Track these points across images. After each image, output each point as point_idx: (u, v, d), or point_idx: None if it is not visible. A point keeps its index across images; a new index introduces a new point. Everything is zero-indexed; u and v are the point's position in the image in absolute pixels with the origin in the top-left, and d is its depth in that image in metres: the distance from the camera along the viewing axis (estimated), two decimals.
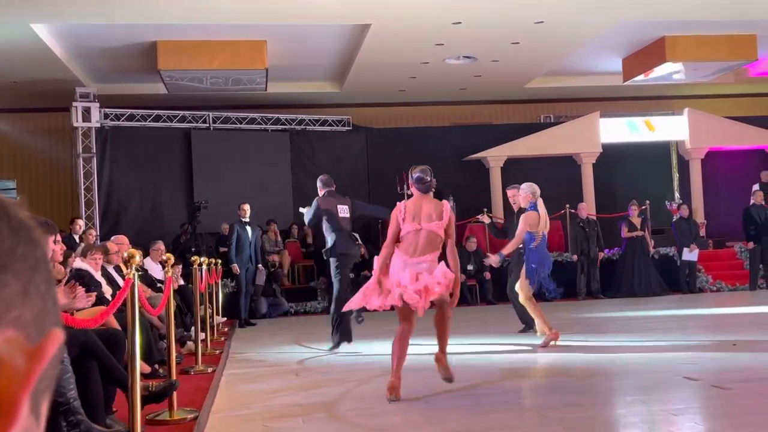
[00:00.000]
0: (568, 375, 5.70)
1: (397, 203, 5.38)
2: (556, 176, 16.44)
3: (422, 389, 5.29)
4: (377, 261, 5.25)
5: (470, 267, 12.72)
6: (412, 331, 5.18)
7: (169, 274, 5.13)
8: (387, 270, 5.15)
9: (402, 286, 4.96)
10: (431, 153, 16.15)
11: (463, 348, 7.45)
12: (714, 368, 5.62)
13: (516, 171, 16.04)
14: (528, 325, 7.99)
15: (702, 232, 15.10)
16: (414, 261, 5.05)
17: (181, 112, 15.30)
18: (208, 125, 15.43)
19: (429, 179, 5.30)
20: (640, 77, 14.71)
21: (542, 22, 12.02)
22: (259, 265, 11.44)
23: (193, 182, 15.09)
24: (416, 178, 5.33)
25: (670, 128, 16.61)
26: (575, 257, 13.43)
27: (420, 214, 5.19)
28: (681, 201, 15.52)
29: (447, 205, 5.29)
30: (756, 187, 15.07)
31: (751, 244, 13.74)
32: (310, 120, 16.21)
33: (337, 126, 16.40)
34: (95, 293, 4.63)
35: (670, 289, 13.50)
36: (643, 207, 14.10)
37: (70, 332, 3.84)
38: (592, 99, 17.59)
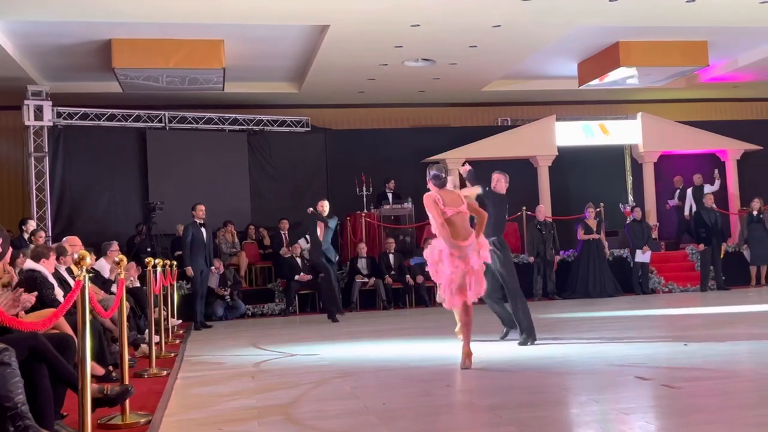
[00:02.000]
0: (522, 375, 5.75)
1: (426, 195, 6.08)
2: (513, 179, 16.45)
3: (379, 390, 5.30)
4: (430, 251, 6.04)
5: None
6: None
7: (121, 275, 5.05)
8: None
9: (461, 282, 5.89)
10: (391, 155, 16.24)
11: (420, 348, 7.47)
12: (665, 368, 5.72)
13: (474, 174, 16.17)
14: (510, 328, 7.77)
15: (654, 234, 15.39)
16: (464, 245, 5.90)
17: (137, 112, 15.10)
18: (163, 125, 15.26)
19: (444, 176, 6.18)
20: (595, 81, 14.95)
21: (499, 26, 12.13)
22: (212, 267, 11.35)
23: (148, 183, 14.89)
24: (433, 175, 6.15)
25: (624, 132, 16.90)
26: (532, 259, 13.58)
27: (449, 201, 6.04)
28: (634, 204, 15.80)
29: (461, 193, 6.25)
30: (707, 188, 15.44)
31: (701, 246, 14.06)
32: (268, 120, 16.13)
33: (296, 127, 16.35)
34: (35, 293, 4.54)
35: (623, 290, 13.73)
36: (599, 209, 14.32)
37: (18, 335, 3.76)
38: (548, 103, 17.81)
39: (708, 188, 15.62)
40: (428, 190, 6.16)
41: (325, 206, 10.93)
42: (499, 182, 7.91)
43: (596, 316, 10.41)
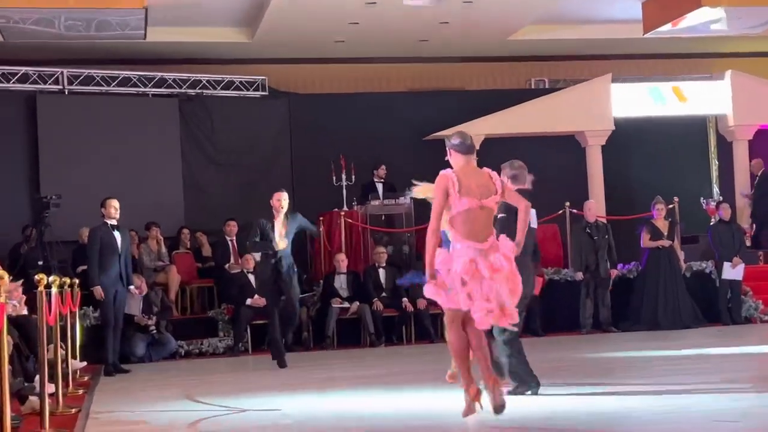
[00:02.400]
0: None
1: (441, 172, 6.18)
2: (551, 163, 16.54)
3: None
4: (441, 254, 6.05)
5: None
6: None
7: (2, 299, 5.02)
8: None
9: (471, 296, 5.92)
10: (379, 129, 16.21)
11: (421, 400, 7.46)
12: (763, 428, 5.72)
13: (497, 155, 16.01)
14: (523, 382, 7.50)
15: (748, 241, 15.43)
16: (482, 247, 5.99)
17: (23, 69, 15.01)
18: (61, 87, 15.18)
19: (470, 141, 6.27)
20: (667, 27, 14.97)
21: None
22: (132, 287, 11.31)
23: (39, 168, 14.81)
24: (456, 142, 6.25)
25: (706, 98, 16.93)
26: (579, 275, 13.59)
27: (472, 187, 6.08)
28: (721, 198, 15.84)
29: (495, 174, 6.25)
30: None
31: None
32: (208, 81, 16.06)
33: (248, 90, 16.29)
34: None
35: (706, 319, 13.75)
36: (671, 206, 14.34)
37: None
38: (600, 57, 17.81)
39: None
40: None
41: (282, 200, 10.82)
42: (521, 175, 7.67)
43: (669, 355, 10.38)
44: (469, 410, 6.09)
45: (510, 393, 6.99)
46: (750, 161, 16.73)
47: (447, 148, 6.34)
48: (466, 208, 6.01)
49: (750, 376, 8.52)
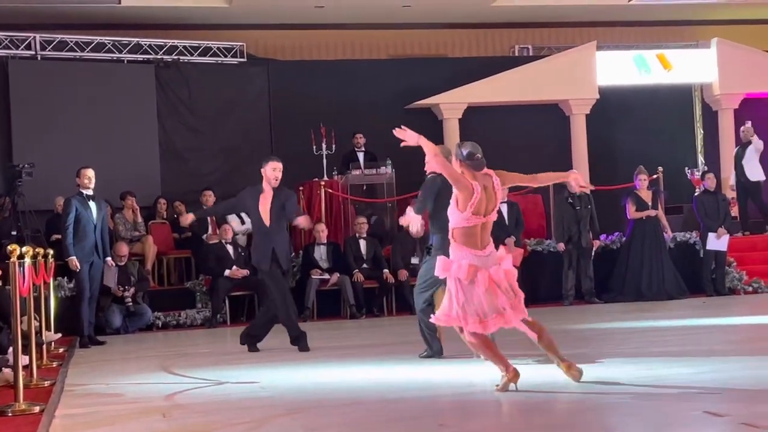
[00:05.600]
0: (545, 408, 5.78)
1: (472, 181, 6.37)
2: (534, 132, 16.62)
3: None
4: (443, 262, 6.47)
5: (415, 260, 12.80)
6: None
7: None
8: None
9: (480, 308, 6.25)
10: (360, 97, 16.17)
11: (403, 373, 7.49)
12: (745, 399, 5.76)
13: (479, 124, 16.14)
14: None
15: (734, 212, 15.49)
16: (482, 254, 6.30)
17: None
18: (33, 52, 15.07)
19: (481, 156, 6.40)
20: None
21: None
22: (108, 259, 11.29)
23: (11, 136, 14.73)
24: (467, 154, 6.39)
25: (692, 66, 16.96)
26: (561, 246, 13.63)
27: (481, 208, 6.30)
28: (706, 168, 15.89)
29: (494, 176, 6.43)
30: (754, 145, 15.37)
31: None
32: (185, 47, 15.98)
33: (225, 57, 16.22)
34: None
35: (690, 290, 13.84)
36: (655, 176, 14.38)
37: None
38: (585, 24, 17.80)
39: (754, 145, 15.42)
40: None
41: (278, 170, 9.38)
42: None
43: (652, 326, 10.45)
44: (504, 388, 6.21)
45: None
46: (737, 129, 16.58)
47: (454, 157, 6.46)
48: (471, 224, 6.29)
49: (732, 347, 8.59)
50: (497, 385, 6.23)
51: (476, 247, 6.31)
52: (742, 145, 15.50)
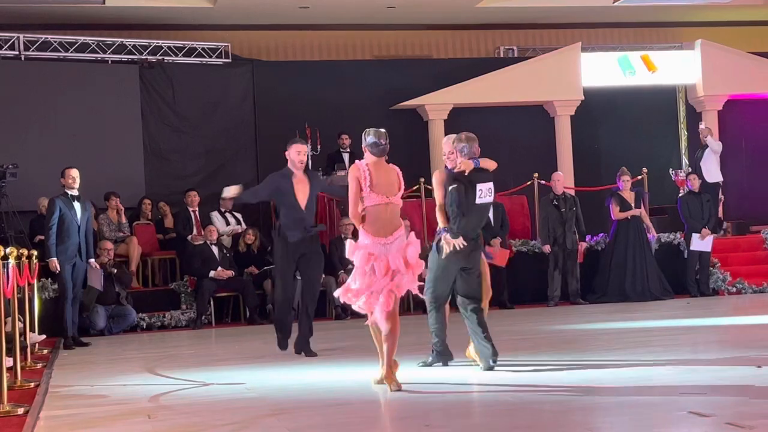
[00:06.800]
0: (531, 409, 5.80)
1: (356, 161, 6.82)
2: (520, 134, 16.64)
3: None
4: (351, 245, 6.84)
5: None
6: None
7: None
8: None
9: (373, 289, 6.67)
10: (345, 97, 16.16)
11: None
12: (731, 399, 5.81)
13: (465, 125, 16.08)
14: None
15: (719, 213, 15.55)
16: (386, 242, 6.62)
17: None
18: (17, 52, 15.02)
19: (384, 142, 6.75)
20: None
21: None
22: (92, 260, 11.25)
23: None
24: (371, 142, 6.75)
25: (676, 67, 17.02)
26: (547, 248, 13.67)
27: (381, 183, 6.63)
28: (690, 169, 15.95)
29: (400, 172, 6.79)
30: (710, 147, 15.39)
31: None
32: (169, 48, 15.95)
33: (210, 57, 16.20)
34: None
35: (674, 291, 13.89)
36: (639, 177, 14.43)
37: None
38: (570, 25, 17.84)
39: (710, 147, 15.45)
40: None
41: (302, 154, 8.97)
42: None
43: (636, 327, 10.50)
44: (380, 382, 6.68)
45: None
46: (720, 133, 16.55)
47: (363, 145, 6.84)
48: (375, 203, 6.60)
49: (716, 347, 8.64)
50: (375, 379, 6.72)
51: (381, 233, 6.67)
52: (702, 146, 15.59)
